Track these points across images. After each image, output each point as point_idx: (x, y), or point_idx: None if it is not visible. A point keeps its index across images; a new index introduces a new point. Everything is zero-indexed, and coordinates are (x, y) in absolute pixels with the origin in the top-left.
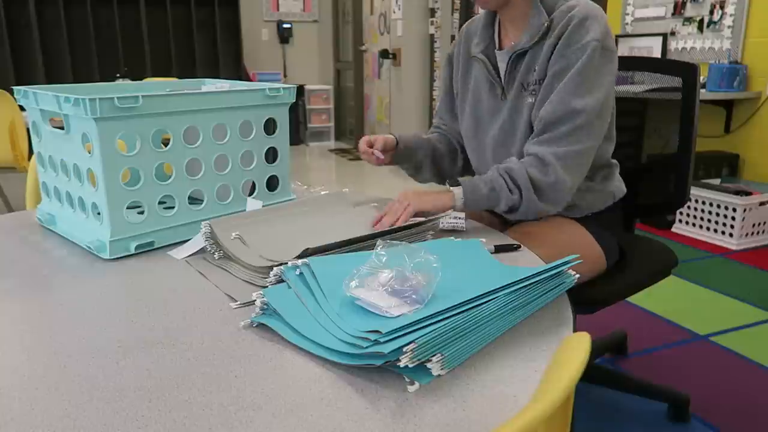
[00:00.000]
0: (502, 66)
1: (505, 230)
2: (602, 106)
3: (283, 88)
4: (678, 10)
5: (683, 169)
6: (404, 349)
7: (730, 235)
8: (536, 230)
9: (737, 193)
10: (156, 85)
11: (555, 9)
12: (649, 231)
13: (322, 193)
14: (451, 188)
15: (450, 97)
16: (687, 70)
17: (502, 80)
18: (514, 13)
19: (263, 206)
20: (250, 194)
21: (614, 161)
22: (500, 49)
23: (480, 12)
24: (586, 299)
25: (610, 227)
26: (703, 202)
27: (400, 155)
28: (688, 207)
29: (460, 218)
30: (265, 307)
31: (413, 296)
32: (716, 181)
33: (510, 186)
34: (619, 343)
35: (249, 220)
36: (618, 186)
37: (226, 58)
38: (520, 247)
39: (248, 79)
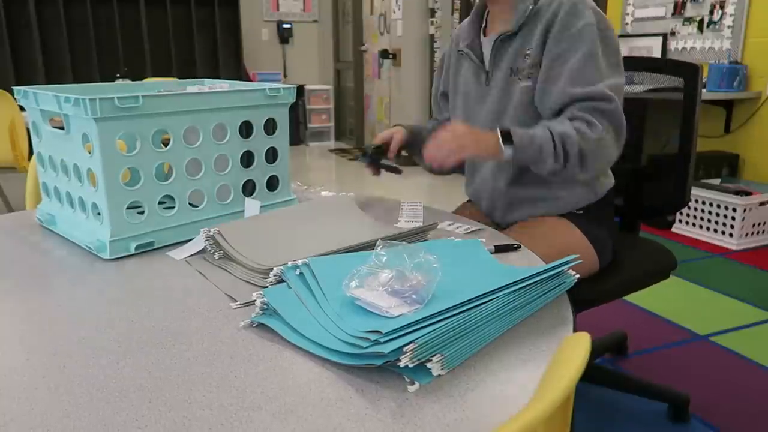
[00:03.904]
0: (486, 52)
1: (500, 227)
2: (621, 86)
3: (283, 88)
4: (678, 10)
5: (684, 169)
6: (404, 349)
7: (730, 235)
8: (529, 230)
9: (737, 193)
10: (152, 85)
11: None
12: (649, 231)
13: (323, 194)
14: (502, 143)
15: (444, 98)
16: (689, 71)
17: (486, 65)
18: (503, 4)
19: (262, 206)
20: (250, 194)
21: None
22: (485, 36)
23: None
24: (576, 298)
25: (601, 223)
26: (703, 202)
27: (408, 146)
28: (688, 207)
29: (417, 218)
30: (265, 307)
31: (413, 296)
32: (716, 181)
33: (558, 153)
34: (619, 343)
35: (252, 225)
36: (603, 182)
37: (226, 58)
38: (520, 247)
39: (248, 79)
